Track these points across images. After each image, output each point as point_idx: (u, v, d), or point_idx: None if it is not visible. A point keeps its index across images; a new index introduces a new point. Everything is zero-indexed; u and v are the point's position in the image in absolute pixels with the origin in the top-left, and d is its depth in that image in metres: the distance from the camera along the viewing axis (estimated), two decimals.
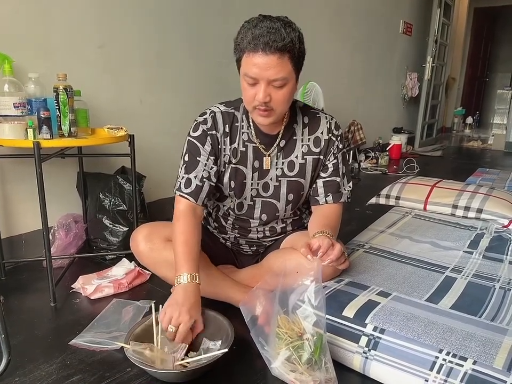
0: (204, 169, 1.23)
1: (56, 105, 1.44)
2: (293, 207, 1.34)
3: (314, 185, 1.32)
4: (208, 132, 1.23)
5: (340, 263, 1.16)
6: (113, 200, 1.79)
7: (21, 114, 1.42)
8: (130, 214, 1.79)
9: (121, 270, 1.55)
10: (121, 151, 1.70)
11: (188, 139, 1.25)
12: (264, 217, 1.33)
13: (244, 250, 1.45)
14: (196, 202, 1.22)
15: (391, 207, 2.14)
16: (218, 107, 1.26)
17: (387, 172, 3.74)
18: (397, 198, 2.15)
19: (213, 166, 1.24)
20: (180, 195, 1.23)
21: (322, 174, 1.31)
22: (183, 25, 2.21)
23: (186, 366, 1.04)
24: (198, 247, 1.19)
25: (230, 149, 1.25)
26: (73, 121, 1.48)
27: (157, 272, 1.38)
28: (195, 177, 1.22)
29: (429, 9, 4.87)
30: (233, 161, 1.26)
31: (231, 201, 1.33)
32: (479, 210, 1.91)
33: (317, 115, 1.30)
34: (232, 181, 1.28)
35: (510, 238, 1.69)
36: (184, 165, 1.24)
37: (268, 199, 1.31)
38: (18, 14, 1.58)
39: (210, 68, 2.36)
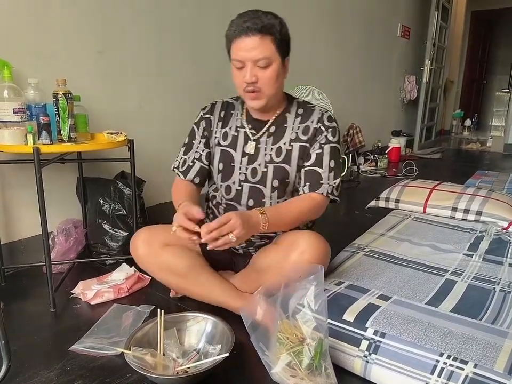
0: (196, 151, 1.38)
1: (56, 111, 1.45)
2: (279, 195, 1.32)
3: (297, 174, 1.31)
4: (204, 116, 1.37)
5: (225, 242, 1.07)
6: (113, 205, 1.79)
7: (21, 120, 1.42)
8: (130, 218, 1.79)
9: (121, 275, 1.54)
10: (121, 156, 1.70)
11: (192, 125, 1.40)
12: (251, 202, 1.33)
13: (235, 247, 1.42)
14: (185, 178, 1.37)
15: (391, 210, 2.15)
16: (223, 98, 1.40)
17: (386, 174, 3.75)
18: (397, 201, 2.16)
19: (205, 148, 1.37)
20: (176, 172, 1.40)
21: (305, 163, 1.29)
22: (181, 30, 2.22)
23: (187, 371, 1.04)
24: (192, 193, 1.33)
25: (221, 132, 1.35)
26: (73, 127, 1.49)
27: (156, 276, 1.39)
28: (189, 158, 1.38)
29: (426, 13, 4.89)
30: (223, 143, 1.34)
31: (220, 185, 1.36)
32: (479, 213, 1.92)
33: (312, 108, 1.32)
34: (220, 163, 1.35)
35: (510, 240, 1.69)
36: (184, 147, 1.41)
37: (255, 185, 1.32)
38: (18, 20, 1.58)
39: (209, 72, 2.36)
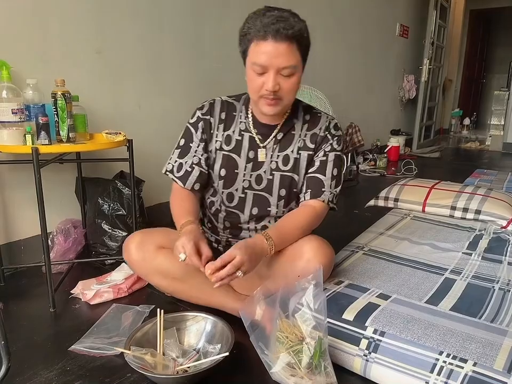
0: (195, 155, 1.28)
1: (55, 111, 1.45)
2: (285, 204, 1.29)
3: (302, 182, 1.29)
4: (202, 117, 1.28)
5: (231, 279, 1.06)
6: (112, 205, 1.79)
7: (19, 120, 1.42)
8: (129, 218, 1.79)
9: (121, 275, 1.54)
10: (120, 156, 1.70)
11: (186, 125, 1.31)
12: (255, 210, 1.29)
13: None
14: (184, 186, 1.28)
15: (390, 209, 2.15)
16: (221, 97, 1.31)
17: (385, 173, 3.75)
18: (396, 200, 2.16)
19: (204, 152, 1.28)
20: (172, 178, 1.30)
21: (309, 170, 1.27)
22: (179, 30, 2.22)
23: (187, 371, 1.04)
24: (195, 207, 1.26)
25: (223, 135, 1.27)
26: (72, 127, 1.49)
27: (150, 281, 1.37)
28: (186, 162, 1.28)
29: (425, 12, 4.89)
30: (226, 148, 1.27)
31: (222, 192, 1.30)
32: (478, 212, 1.92)
33: (319, 114, 1.29)
34: (223, 169, 1.27)
35: (509, 238, 1.69)
36: (179, 149, 1.30)
37: (260, 192, 1.28)
38: (16, 21, 1.58)
39: (208, 72, 2.36)
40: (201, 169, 1.28)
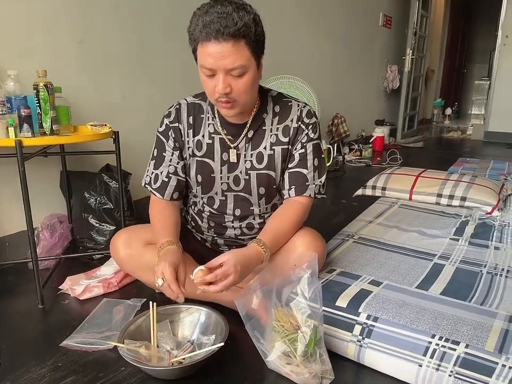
0: (170, 165, 1.24)
1: (37, 103, 1.40)
2: (267, 201, 1.26)
3: (282, 177, 1.24)
4: (171, 125, 1.23)
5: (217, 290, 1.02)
6: (98, 198, 1.76)
7: (1, 112, 1.37)
8: (117, 212, 1.76)
9: (110, 269, 1.52)
10: (105, 149, 1.67)
11: (156, 134, 1.26)
12: (237, 212, 1.26)
13: (225, 252, 1.40)
14: (163, 197, 1.25)
15: (377, 198, 2.17)
16: (186, 99, 1.25)
17: (371, 163, 3.78)
18: (383, 188, 2.18)
19: (179, 160, 1.24)
20: (150, 190, 1.27)
21: (289, 165, 1.22)
22: (166, 18, 2.17)
23: (182, 362, 1.03)
24: (175, 224, 1.22)
25: (193, 141, 1.22)
26: (55, 119, 1.44)
27: (140, 278, 1.35)
28: (161, 173, 1.25)
29: (407, 2, 4.92)
30: (198, 154, 1.23)
31: (202, 197, 1.28)
32: (463, 198, 1.95)
33: (289, 103, 1.21)
34: (198, 175, 1.24)
35: (494, 224, 1.73)
36: (153, 160, 1.27)
37: (239, 193, 1.24)
38: None
39: (194, 63, 2.33)
40: (178, 177, 1.25)
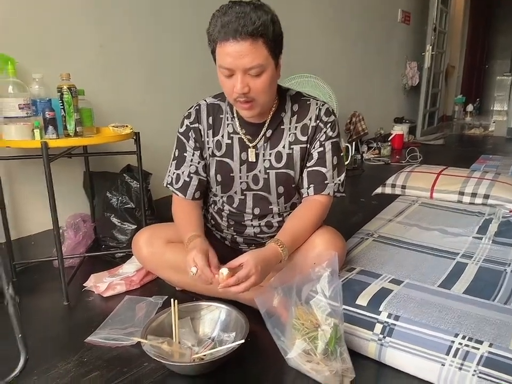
0: (191, 165, 1.26)
1: (61, 105, 1.44)
2: (286, 200, 1.27)
3: (301, 176, 1.24)
4: (191, 126, 1.24)
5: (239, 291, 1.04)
6: (120, 198, 1.79)
7: (26, 115, 1.42)
8: (138, 211, 1.80)
9: (132, 267, 1.55)
10: (127, 150, 1.70)
11: (177, 135, 1.28)
12: (257, 210, 1.27)
13: (243, 250, 1.38)
14: (185, 197, 1.27)
15: (397, 196, 2.15)
16: (205, 99, 1.26)
17: (390, 162, 3.74)
18: (403, 187, 2.15)
19: (200, 160, 1.26)
20: (172, 190, 1.29)
21: (308, 163, 1.22)
22: (183, 23, 2.20)
23: (203, 359, 1.05)
24: (199, 220, 1.25)
25: (213, 141, 1.24)
26: (79, 121, 1.48)
27: (161, 276, 1.39)
28: (183, 172, 1.27)
29: None
30: (217, 154, 1.24)
31: (221, 196, 1.29)
32: (486, 196, 1.91)
33: (308, 102, 1.22)
34: (218, 175, 1.25)
35: None
36: (175, 161, 1.29)
37: (259, 192, 1.25)
38: (20, 16, 1.57)
39: (212, 65, 2.35)
40: (199, 177, 1.27)
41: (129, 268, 1.55)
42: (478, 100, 7.81)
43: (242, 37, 0.98)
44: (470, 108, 7.24)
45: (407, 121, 4.93)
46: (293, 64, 2.79)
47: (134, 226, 1.78)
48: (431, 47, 4.86)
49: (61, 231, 1.70)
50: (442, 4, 5.01)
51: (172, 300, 1.12)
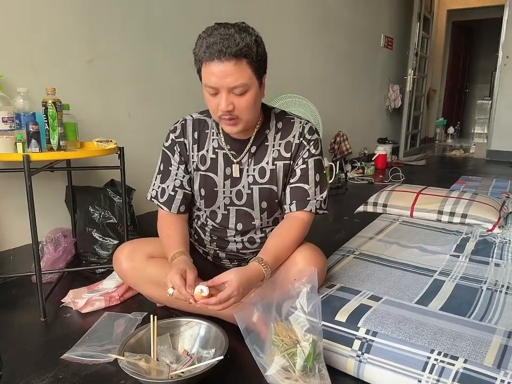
0: (176, 179, 1.27)
1: (45, 119, 1.44)
2: (268, 215, 1.28)
3: (283, 192, 1.26)
4: (177, 140, 1.26)
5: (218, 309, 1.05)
6: (102, 213, 1.78)
7: (10, 128, 1.42)
8: (120, 227, 1.79)
9: (112, 283, 1.53)
10: (110, 164, 1.70)
11: (162, 149, 1.29)
12: (239, 226, 1.28)
13: (226, 265, 1.40)
14: (170, 211, 1.28)
15: (379, 214, 2.18)
16: (191, 115, 1.29)
17: (373, 181, 3.80)
18: (384, 205, 2.19)
19: (185, 174, 1.28)
20: (157, 204, 1.30)
21: (291, 180, 1.24)
22: (170, 39, 2.24)
23: (181, 376, 1.03)
24: (184, 236, 1.26)
25: (198, 155, 1.26)
26: (62, 135, 1.48)
27: (142, 291, 1.37)
28: (168, 186, 1.28)
29: (408, 23, 5.02)
30: (202, 168, 1.26)
31: (205, 210, 1.30)
32: (464, 216, 1.96)
33: (292, 120, 1.25)
34: (202, 189, 1.27)
35: (495, 241, 1.73)
36: (160, 175, 1.30)
37: (242, 208, 1.27)
38: (6, 29, 1.59)
39: (198, 80, 2.38)
40: (184, 191, 1.28)
41: (109, 284, 1.53)
42: (458, 122, 8.03)
43: (227, 57, 1.01)
44: (451, 130, 7.44)
45: (390, 142, 5.03)
46: (278, 84, 2.86)
47: (115, 242, 1.77)
48: (412, 71, 5.02)
49: (40, 245, 1.68)
50: (423, 30, 5.20)
51: (152, 316, 1.11)
